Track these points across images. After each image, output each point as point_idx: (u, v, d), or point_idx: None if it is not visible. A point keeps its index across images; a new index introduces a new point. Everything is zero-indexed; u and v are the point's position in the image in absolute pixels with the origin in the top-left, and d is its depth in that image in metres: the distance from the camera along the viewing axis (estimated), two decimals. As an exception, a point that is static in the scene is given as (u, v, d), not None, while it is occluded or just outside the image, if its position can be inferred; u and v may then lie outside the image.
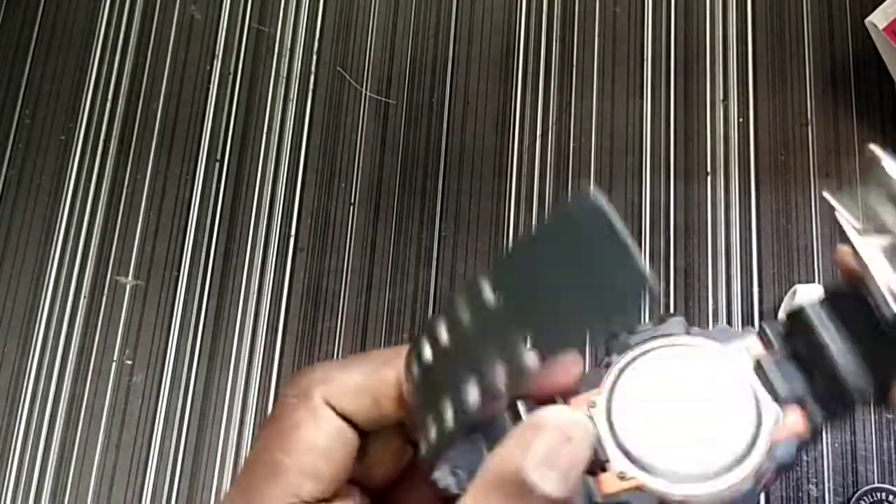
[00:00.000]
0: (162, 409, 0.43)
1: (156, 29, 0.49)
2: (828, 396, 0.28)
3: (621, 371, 0.29)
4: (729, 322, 0.42)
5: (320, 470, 0.27)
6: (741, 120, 0.44)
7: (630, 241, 0.20)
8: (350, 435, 0.28)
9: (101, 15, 0.50)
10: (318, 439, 0.27)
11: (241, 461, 0.42)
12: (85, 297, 0.45)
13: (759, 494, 0.28)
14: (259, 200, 0.46)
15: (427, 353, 0.24)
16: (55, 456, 0.42)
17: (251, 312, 0.44)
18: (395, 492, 0.30)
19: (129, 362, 0.44)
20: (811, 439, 0.31)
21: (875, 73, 0.45)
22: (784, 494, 0.40)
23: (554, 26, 0.48)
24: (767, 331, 0.30)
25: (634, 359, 0.30)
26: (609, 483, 0.28)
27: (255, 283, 0.45)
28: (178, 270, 0.45)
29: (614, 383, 0.29)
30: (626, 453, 0.28)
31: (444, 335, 0.24)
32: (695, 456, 0.28)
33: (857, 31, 0.46)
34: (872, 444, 0.40)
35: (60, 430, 0.43)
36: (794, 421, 0.27)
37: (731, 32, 0.46)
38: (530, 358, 0.22)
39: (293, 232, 0.45)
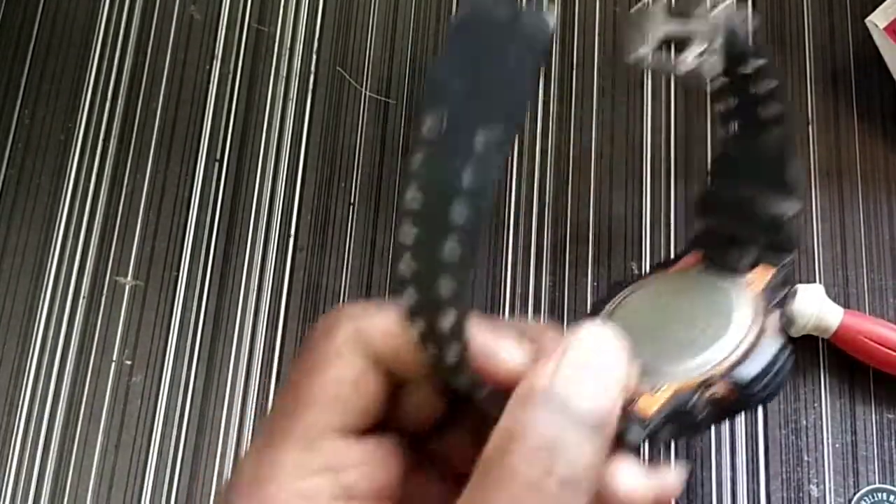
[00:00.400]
0: (161, 408, 0.43)
1: (155, 28, 0.49)
2: (773, 238, 0.33)
3: (610, 312, 0.32)
4: (729, 322, 0.42)
5: (347, 403, 0.26)
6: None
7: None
8: (376, 374, 0.27)
9: (100, 14, 0.50)
10: (344, 374, 0.26)
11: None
12: (84, 296, 0.45)
13: (789, 346, 0.30)
14: (259, 199, 0.46)
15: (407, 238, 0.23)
16: (54, 456, 0.42)
17: (251, 311, 0.44)
18: (435, 437, 0.29)
19: (129, 362, 0.44)
20: (787, 270, 0.33)
21: (876, 73, 0.45)
22: (785, 495, 0.40)
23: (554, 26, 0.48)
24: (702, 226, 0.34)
25: (615, 304, 0.34)
26: (647, 404, 0.28)
27: (255, 282, 0.45)
28: (178, 270, 0.45)
29: (608, 317, 0.32)
30: (646, 371, 0.29)
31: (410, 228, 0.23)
32: (709, 341, 0.30)
33: (858, 31, 0.45)
34: (873, 444, 0.40)
35: (59, 430, 0.43)
36: (762, 274, 0.32)
37: (732, 32, 0.46)
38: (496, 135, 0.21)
39: (293, 231, 0.45)
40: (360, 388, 0.26)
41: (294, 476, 0.25)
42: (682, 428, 0.28)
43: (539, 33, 0.21)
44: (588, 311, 0.36)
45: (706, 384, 0.28)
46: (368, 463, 0.26)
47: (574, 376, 0.23)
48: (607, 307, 0.34)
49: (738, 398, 0.29)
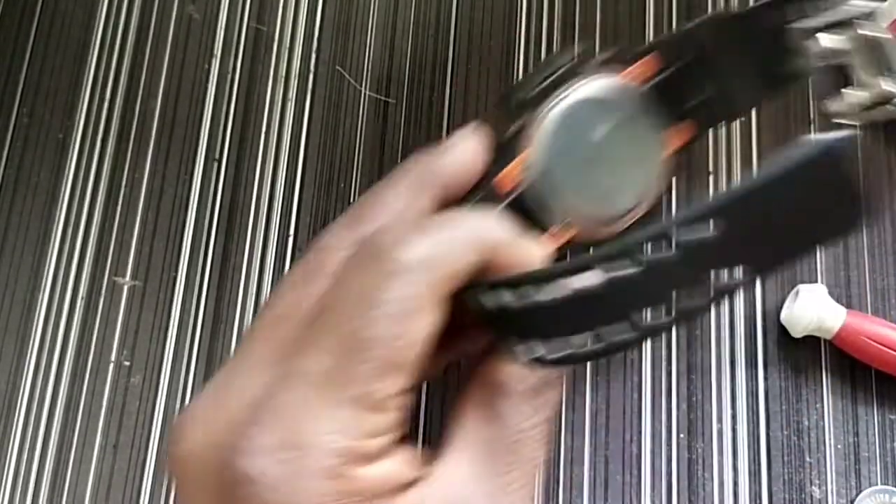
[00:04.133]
0: (160, 409, 0.43)
1: (154, 28, 0.49)
2: (714, 105, 0.34)
3: (545, 114, 0.32)
4: (732, 320, 0.42)
5: (422, 362, 0.25)
6: (743, 119, 0.44)
7: (860, 181, 0.21)
8: (438, 330, 0.25)
9: (98, 13, 0.49)
10: (427, 331, 0.24)
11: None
12: (82, 297, 0.45)
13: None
14: (258, 200, 0.46)
15: (596, 277, 0.24)
16: (52, 456, 0.42)
17: (250, 312, 0.44)
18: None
19: (127, 363, 0.43)
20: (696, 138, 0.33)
21: (878, 72, 0.45)
22: (787, 496, 0.39)
23: (555, 26, 0.48)
24: (662, 48, 0.34)
25: (546, 117, 0.32)
26: (549, 242, 0.31)
27: (254, 283, 0.44)
28: (176, 270, 0.45)
29: (540, 141, 0.32)
30: (553, 211, 0.31)
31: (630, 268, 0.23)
32: (619, 191, 0.32)
33: (860, 31, 0.45)
34: (876, 445, 0.40)
35: (58, 431, 0.43)
36: (686, 132, 0.33)
37: (733, 31, 0.46)
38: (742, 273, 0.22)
39: (292, 231, 0.45)
40: (430, 345, 0.25)
41: (360, 438, 0.23)
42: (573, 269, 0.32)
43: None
44: (522, 97, 0.34)
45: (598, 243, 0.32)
46: (406, 419, 0.26)
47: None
48: (546, 105, 0.32)
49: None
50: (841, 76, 0.32)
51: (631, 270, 0.24)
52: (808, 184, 0.21)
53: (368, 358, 0.23)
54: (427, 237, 0.25)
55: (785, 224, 0.21)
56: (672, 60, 0.33)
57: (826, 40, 0.31)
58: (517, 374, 0.25)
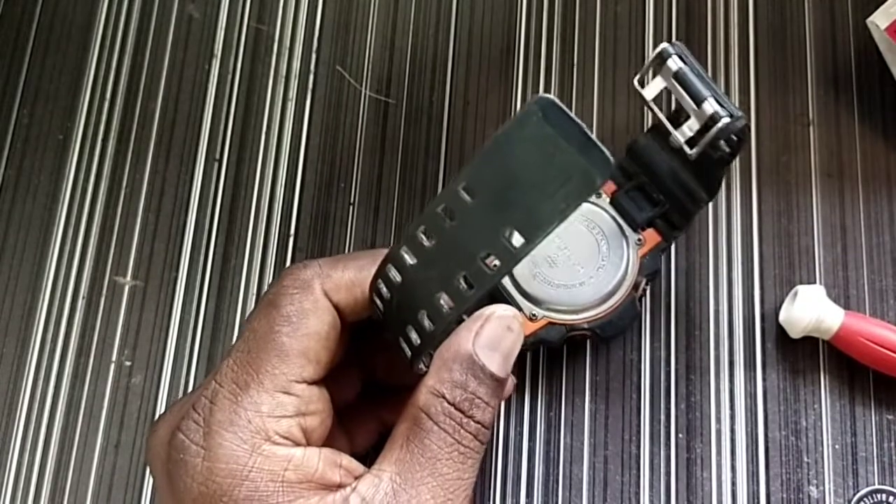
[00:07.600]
0: (161, 409, 0.43)
1: (154, 28, 0.49)
2: (673, 210, 0.38)
3: None
4: (731, 320, 0.42)
5: (320, 356, 0.30)
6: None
7: (583, 124, 0.24)
8: (341, 326, 0.31)
9: (99, 13, 0.49)
10: (321, 328, 0.30)
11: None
12: (83, 297, 0.45)
13: (639, 300, 0.38)
14: (258, 199, 0.46)
15: (409, 259, 0.28)
16: (54, 456, 0.42)
17: (250, 311, 0.44)
18: (346, 415, 0.35)
19: (128, 363, 0.44)
20: (667, 247, 0.38)
21: (877, 74, 0.45)
22: (785, 496, 0.40)
23: (555, 26, 0.48)
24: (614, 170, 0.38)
25: None
26: (525, 327, 0.34)
27: (255, 283, 0.45)
28: (177, 270, 0.45)
29: None
30: (532, 300, 0.37)
31: (425, 241, 0.27)
32: (586, 288, 0.37)
33: (859, 32, 0.45)
34: (873, 445, 0.40)
35: (59, 430, 0.43)
36: (652, 238, 0.35)
37: (732, 33, 0.46)
38: (516, 239, 0.25)
39: (292, 231, 0.45)
40: (330, 344, 0.30)
41: (270, 417, 0.28)
42: (540, 346, 0.37)
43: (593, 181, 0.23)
44: None
45: (572, 328, 0.36)
46: (324, 410, 0.30)
47: (489, 347, 0.30)
48: None
49: (591, 337, 0.37)
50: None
51: (430, 244, 0.27)
52: (520, 139, 0.24)
53: (274, 346, 0.29)
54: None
55: (524, 183, 0.24)
56: (622, 183, 0.38)
57: (650, 89, 0.34)
58: (433, 400, 0.30)
